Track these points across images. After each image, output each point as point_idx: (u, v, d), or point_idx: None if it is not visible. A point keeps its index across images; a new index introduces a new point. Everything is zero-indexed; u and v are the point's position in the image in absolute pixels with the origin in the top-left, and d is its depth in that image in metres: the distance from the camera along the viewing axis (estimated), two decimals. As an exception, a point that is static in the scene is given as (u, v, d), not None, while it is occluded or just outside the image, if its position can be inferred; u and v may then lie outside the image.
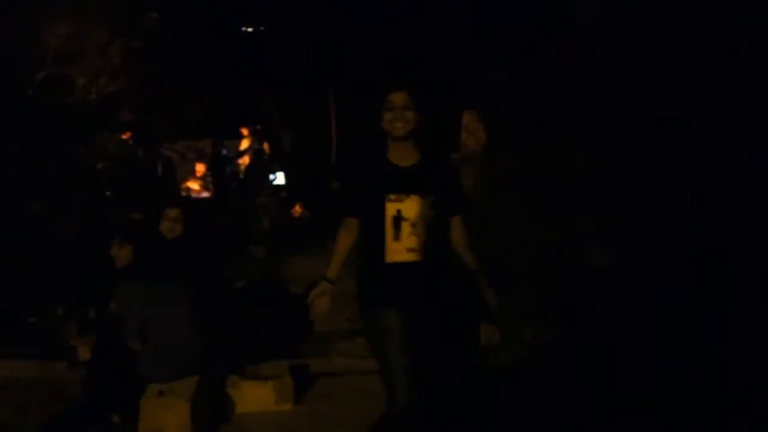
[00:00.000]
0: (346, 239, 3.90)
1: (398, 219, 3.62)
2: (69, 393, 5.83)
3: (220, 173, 12.22)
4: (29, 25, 9.48)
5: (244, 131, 12.30)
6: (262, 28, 15.57)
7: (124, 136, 10.74)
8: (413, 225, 3.63)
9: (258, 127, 12.67)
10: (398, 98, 3.65)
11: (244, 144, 12.45)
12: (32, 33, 9.37)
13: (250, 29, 15.52)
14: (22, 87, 9.44)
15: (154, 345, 5.09)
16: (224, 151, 12.51)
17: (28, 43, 9.44)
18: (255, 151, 12.22)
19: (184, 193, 11.96)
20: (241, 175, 12.33)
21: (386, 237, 3.64)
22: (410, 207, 3.62)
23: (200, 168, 12.63)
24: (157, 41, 11.63)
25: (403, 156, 3.75)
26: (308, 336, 6.98)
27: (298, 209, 11.37)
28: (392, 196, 3.62)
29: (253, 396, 5.65)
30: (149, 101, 12.99)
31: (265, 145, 12.40)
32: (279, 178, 12.25)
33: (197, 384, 5.12)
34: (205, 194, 12.44)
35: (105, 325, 5.85)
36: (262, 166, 12.17)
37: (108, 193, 10.28)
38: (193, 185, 12.43)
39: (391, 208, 3.62)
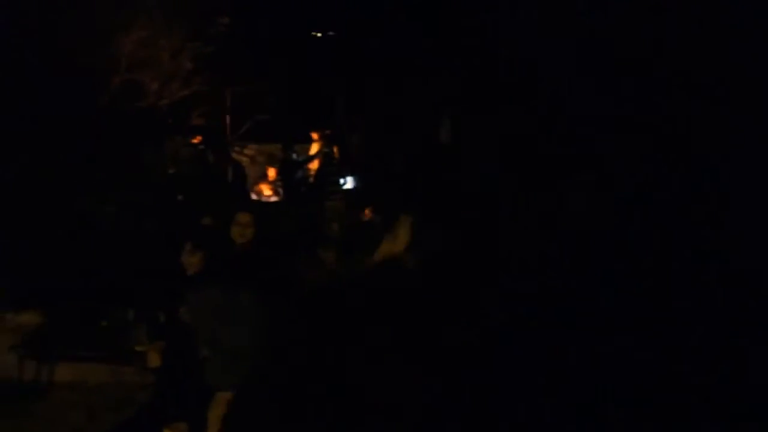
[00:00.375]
0: None
1: None
2: (138, 398, 5.76)
3: (290, 177, 12.08)
4: (104, 31, 9.50)
5: (314, 135, 12.15)
6: (331, 33, 15.48)
7: (195, 140, 10.66)
8: None
9: (327, 132, 12.47)
10: None
11: (314, 148, 12.30)
12: (107, 39, 9.38)
13: (319, 34, 15.46)
14: (97, 92, 9.45)
15: (222, 353, 4.95)
16: (294, 156, 12.37)
17: (103, 48, 9.45)
18: (324, 155, 12.03)
19: (255, 197, 11.88)
20: (311, 179, 12.17)
21: None
22: None
23: (271, 172, 12.52)
24: (228, 46, 11.57)
25: None
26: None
27: (367, 213, 11.13)
28: None
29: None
30: (220, 106, 12.95)
31: (335, 149, 12.21)
32: (348, 183, 12.04)
33: (264, 393, 4.95)
34: (275, 198, 12.33)
35: (175, 331, 5.74)
36: (331, 170, 11.96)
37: (179, 197, 10.22)
38: (265, 189, 12.34)
39: None
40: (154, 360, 5.83)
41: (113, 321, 7.15)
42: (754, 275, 4.49)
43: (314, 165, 12.50)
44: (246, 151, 13.15)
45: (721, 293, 4.51)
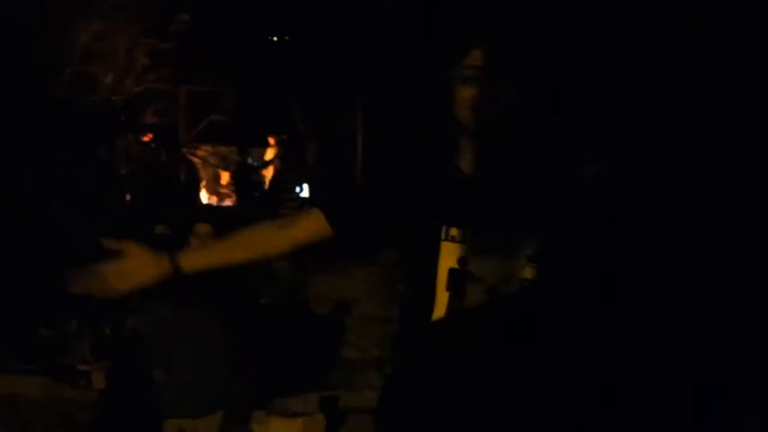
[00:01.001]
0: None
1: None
2: (80, 417, 5.24)
3: (244, 182, 11.62)
4: (60, 22, 8.96)
5: (271, 140, 11.71)
6: (287, 38, 15.10)
7: (146, 138, 10.16)
8: None
9: (284, 137, 12.06)
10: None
11: (270, 153, 11.86)
12: (63, 30, 8.84)
13: (275, 38, 15.05)
14: (50, 84, 8.90)
15: (178, 376, 4.47)
16: (249, 160, 11.92)
17: (58, 40, 8.91)
18: (280, 162, 11.63)
19: (206, 201, 11.38)
20: (266, 186, 11.73)
21: None
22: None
23: (225, 176, 12.04)
24: (186, 44, 11.08)
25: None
26: (335, 362, 6.39)
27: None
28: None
29: (280, 433, 5.03)
30: (174, 104, 12.43)
31: (290, 156, 11.81)
32: (304, 191, 11.64)
33: (221, 421, 4.50)
34: (228, 202, 11.86)
35: (122, 348, 5.25)
36: (287, 177, 11.56)
37: (128, 197, 9.68)
38: (217, 193, 11.87)
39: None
40: (98, 381, 5.33)
41: (54, 330, 6.60)
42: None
43: (269, 171, 12.05)
44: (199, 153, 12.59)
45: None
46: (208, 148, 12.89)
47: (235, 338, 4.91)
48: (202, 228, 5.35)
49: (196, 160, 12.60)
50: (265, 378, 5.51)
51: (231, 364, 4.71)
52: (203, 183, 11.92)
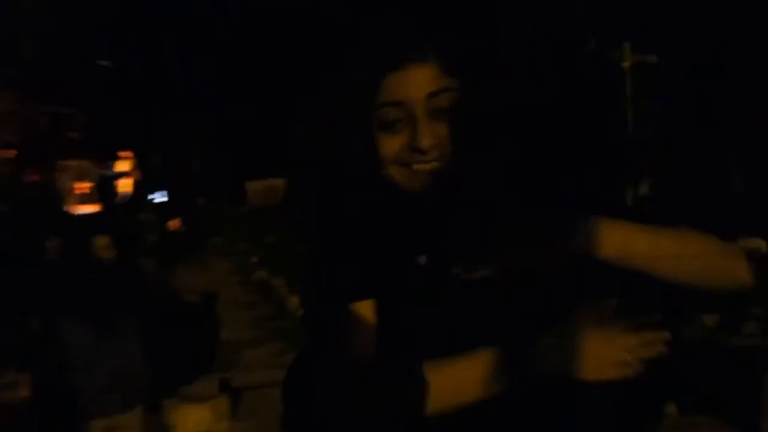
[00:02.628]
0: None
1: None
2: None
3: (105, 192, 10.76)
4: None
5: (122, 154, 10.97)
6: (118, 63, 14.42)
7: (7, 155, 9.23)
8: None
9: (129, 153, 11.37)
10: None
11: (124, 165, 11.09)
12: None
13: (106, 63, 14.25)
14: None
15: (99, 376, 3.83)
16: (107, 172, 11.14)
17: None
18: (134, 172, 10.90)
19: (71, 210, 10.42)
20: (119, 195, 10.95)
21: None
22: None
23: (83, 186, 11.07)
24: (36, 67, 10.15)
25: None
26: (217, 345, 5.85)
27: (175, 223, 10.18)
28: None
29: (192, 418, 4.50)
30: (30, 124, 11.33)
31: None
32: (159, 196, 10.97)
33: (143, 414, 3.91)
34: (91, 210, 10.91)
35: (25, 354, 4.49)
36: (142, 185, 10.87)
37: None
38: (80, 203, 10.91)
39: None
40: (24, 391, 4.52)
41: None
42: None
43: (124, 181, 11.26)
44: (58, 167, 11.58)
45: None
46: (69, 163, 11.81)
47: (144, 331, 4.30)
48: (102, 240, 4.69)
49: (54, 174, 11.51)
50: (168, 367, 4.92)
51: (145, 358, 4.10)
52: (69, 194, 10.90)
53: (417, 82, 1.00)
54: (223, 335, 6.23)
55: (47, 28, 10.77)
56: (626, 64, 8.52)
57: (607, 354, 0.98)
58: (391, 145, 1.02)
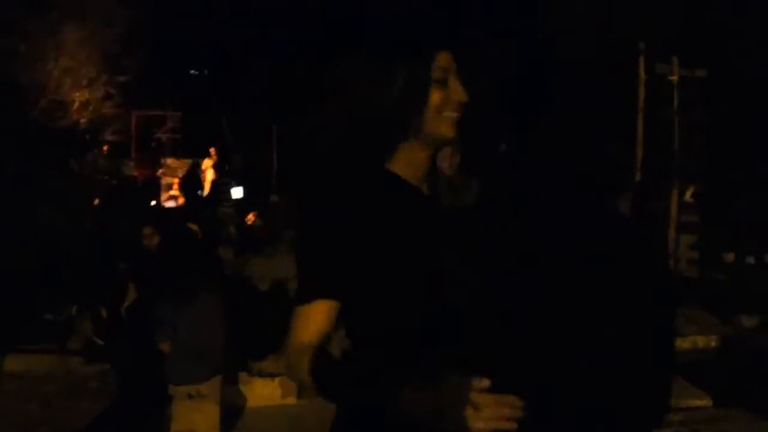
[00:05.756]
0: None
1: None
2: (89, 387, 4.75)
3: (190, 188, 11.15)
4: (35, 57, 8.42)
5: (211, 150, 11.37)
6: (206, 72, 14.97)
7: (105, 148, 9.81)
8: None
9: (214, 149, 11.76)
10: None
11: (207, 163, 11.47)
12: (39, 64, 8.32)
13: (198, 72, 14.85)
14: (29, 108, 8.36)
15: (182, 346, 4.06)
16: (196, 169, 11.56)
17: (35, 71, 8.39)
18: (216, 169, 11.27)
19: (168, 204, 10.89)
20: (206, 190, 11.32)
21: None
22: None
23: (175, 183, 11.52)
24: (139, 76, 10.64)
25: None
26: (284, 329, 6.04)
27: (251, 218, 10.48)
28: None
29: (262, 392, 4.75)
30: (129, 125, 11.88)
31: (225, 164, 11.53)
32: (237, 192, 11.26)
33: (220, 384, 4.14)
34: (179, 203, 11.36)
35: (120, 327, 4.80)
36: (223, 181, 11.22)
37: (96, 201, 9.13)
38: (171, 196, 11.38)
39: None
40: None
41: (57, 315, 6.03)
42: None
43: (208, 177, 11.64)
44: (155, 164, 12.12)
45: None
46: (162, 160, 12.32)
47: (224, 308, 4.51)
48: (147, 229, 4.97)
49: (147, 172, 12.06)
50: (244, 344, 5.15)
51: (224, 332, 4.31)
52: (162, 189, 11.36)
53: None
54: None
55: (148, 41, 11.33)
56: (674, 78, 8.40)
57: (475, 421, 1.03)
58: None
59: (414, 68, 1.23)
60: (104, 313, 5.61)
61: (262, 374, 5.05)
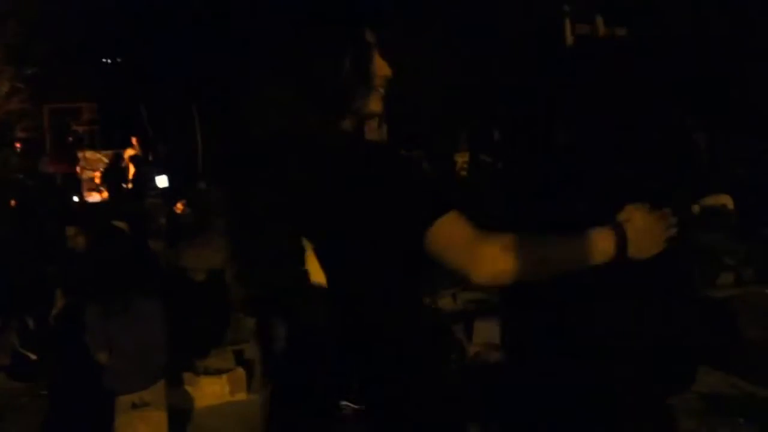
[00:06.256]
0: None
1: None
2: (19, 404, 4.39)
3: (114, 180, 10.59)
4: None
5: (133, 140, 10.81)
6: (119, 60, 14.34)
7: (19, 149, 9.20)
8: None
9: (135, 139, 11.19)
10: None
11: (129, 153, 10.90)
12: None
13: (119, 60, 14.15)
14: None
15: (121, 352, 3.77)
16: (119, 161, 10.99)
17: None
18: (139, 159, 10.72)
19: (89, 199, 10.30)
20: (131, 181, 10.76)
21: None
22: None
23: (96, 176, 10.91)
24: (47, 68, 10.00)
25: None
26: (225, 321, 5.78)
27: (180, 207, 10.03)
28: None
29: (210, 390, 4.49)
30: (40, 120, 11.19)
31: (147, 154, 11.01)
32: (162, 181, 10.75)
33: (164, 389, 3.87)
34: (102, 198, 10.79)
35: (48, 339, 4.44)
36: (146, 170, 10.68)
37: (13, 202, 8.53)
38: (94, 192, 10.81)
39: None
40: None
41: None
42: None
43: (132, 168, 11.07)
44: (73, 159, 11.45)
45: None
46: (80, 154, 11.65)
47: (161, 308, 4.21)
48: (71, 229, 4.63)
49: (64, 166, 11.40)
50: (185, 342, 4.86)
51: (164, 333, 4.02)
52: (83, 184, 10.75)
53: None
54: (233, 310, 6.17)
55: (55, 30, 10.61)
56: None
57: (661, 232, 1.24)
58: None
59: (342, 44, 1.26)
60: (31, 323, 5.21)
61: (208, 372, 4.80)
